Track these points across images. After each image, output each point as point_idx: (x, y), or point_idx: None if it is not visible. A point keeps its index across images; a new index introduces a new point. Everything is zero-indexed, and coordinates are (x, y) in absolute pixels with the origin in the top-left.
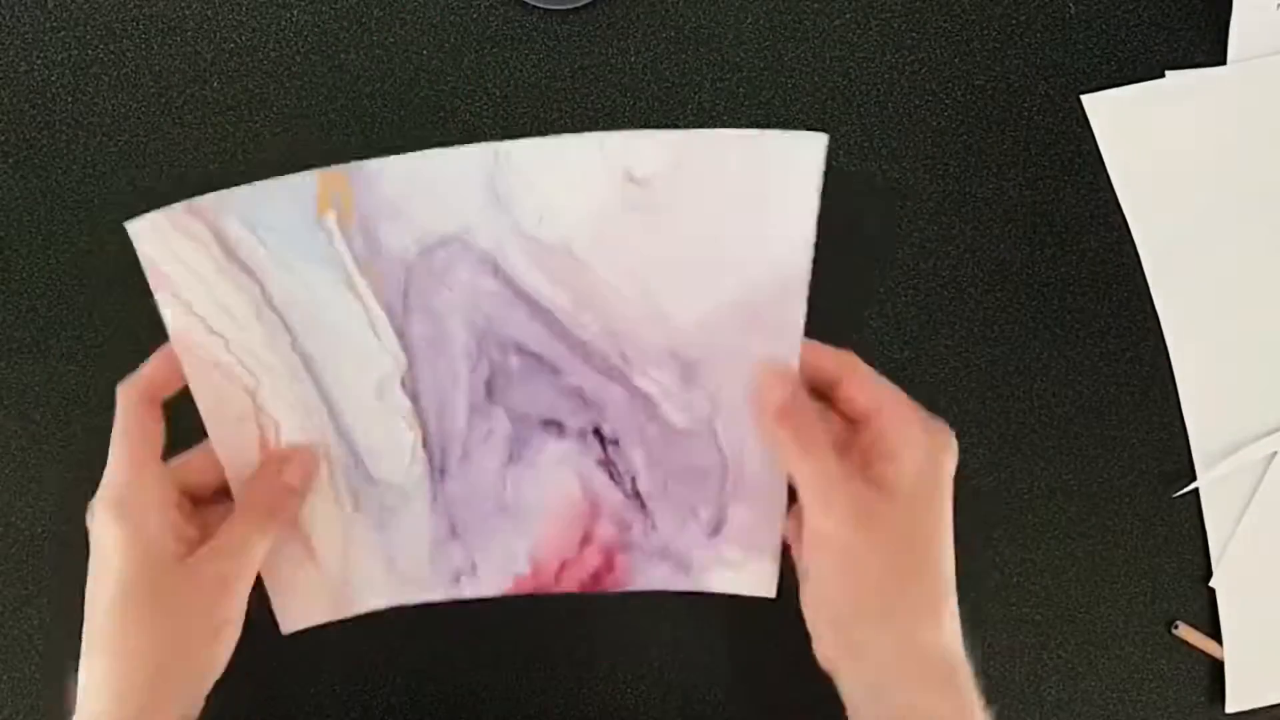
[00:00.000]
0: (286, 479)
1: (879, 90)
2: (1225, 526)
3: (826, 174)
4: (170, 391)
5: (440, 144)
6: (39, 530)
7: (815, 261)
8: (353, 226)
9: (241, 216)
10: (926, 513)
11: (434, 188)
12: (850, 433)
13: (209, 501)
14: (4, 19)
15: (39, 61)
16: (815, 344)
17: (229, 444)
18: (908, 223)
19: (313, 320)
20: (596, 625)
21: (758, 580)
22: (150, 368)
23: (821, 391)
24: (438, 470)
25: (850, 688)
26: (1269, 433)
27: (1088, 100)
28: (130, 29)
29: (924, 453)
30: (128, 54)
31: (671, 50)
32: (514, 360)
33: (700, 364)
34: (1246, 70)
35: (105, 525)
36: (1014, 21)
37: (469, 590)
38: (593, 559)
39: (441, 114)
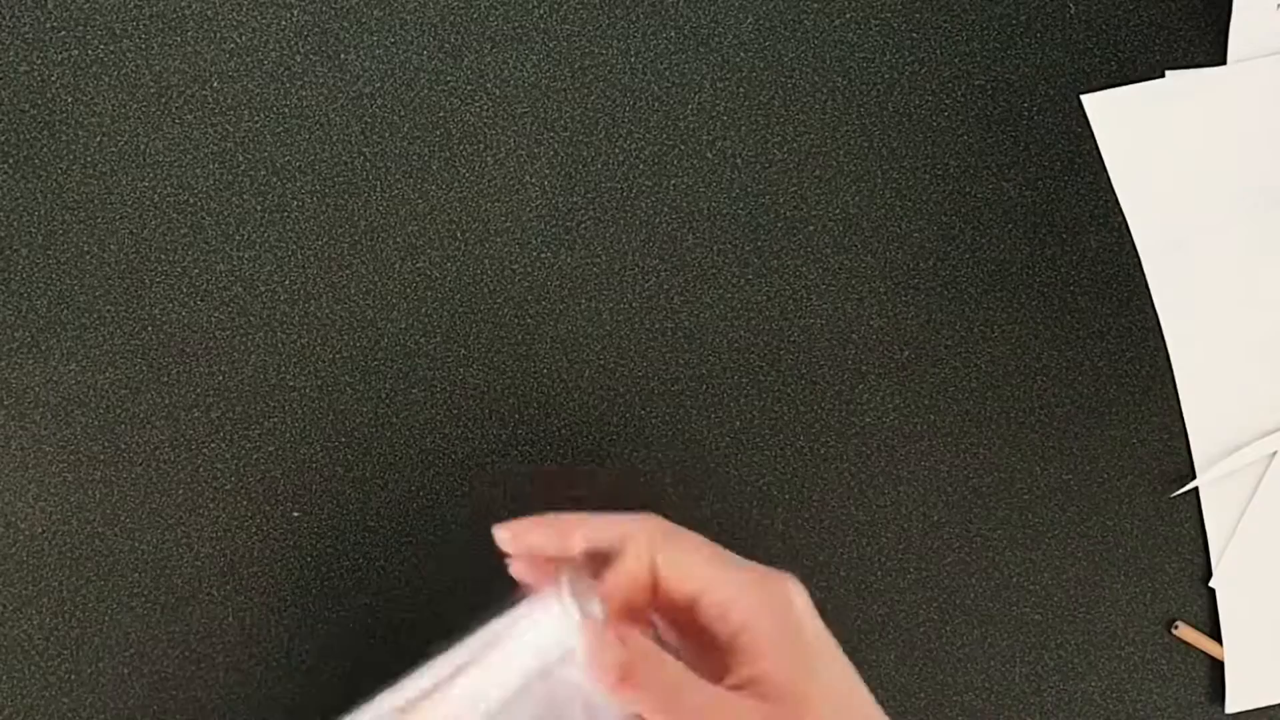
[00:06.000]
0: None
1: (879, 90)
2: (1225, 526)
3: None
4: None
5: (439, 144)
6: (39, 530)
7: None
8: None
9: None
10: (805, 678)
11: None
12: (696, 628)
13: None
14: (4, 19)
15: (39, 61)
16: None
17: None
18: (908, 223)
19: None
20: None
21: None
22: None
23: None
24: None
25: None
26: (1269, 433)
27: (1088, 100)
28: (130, 29)
29: (770, 623)
30: (128, 54)
31: (671, 50)
32: None
33: None
34: (1246, 70)
35: None
36: (1014, 21)
37: None
38: None
39: (441, 114)
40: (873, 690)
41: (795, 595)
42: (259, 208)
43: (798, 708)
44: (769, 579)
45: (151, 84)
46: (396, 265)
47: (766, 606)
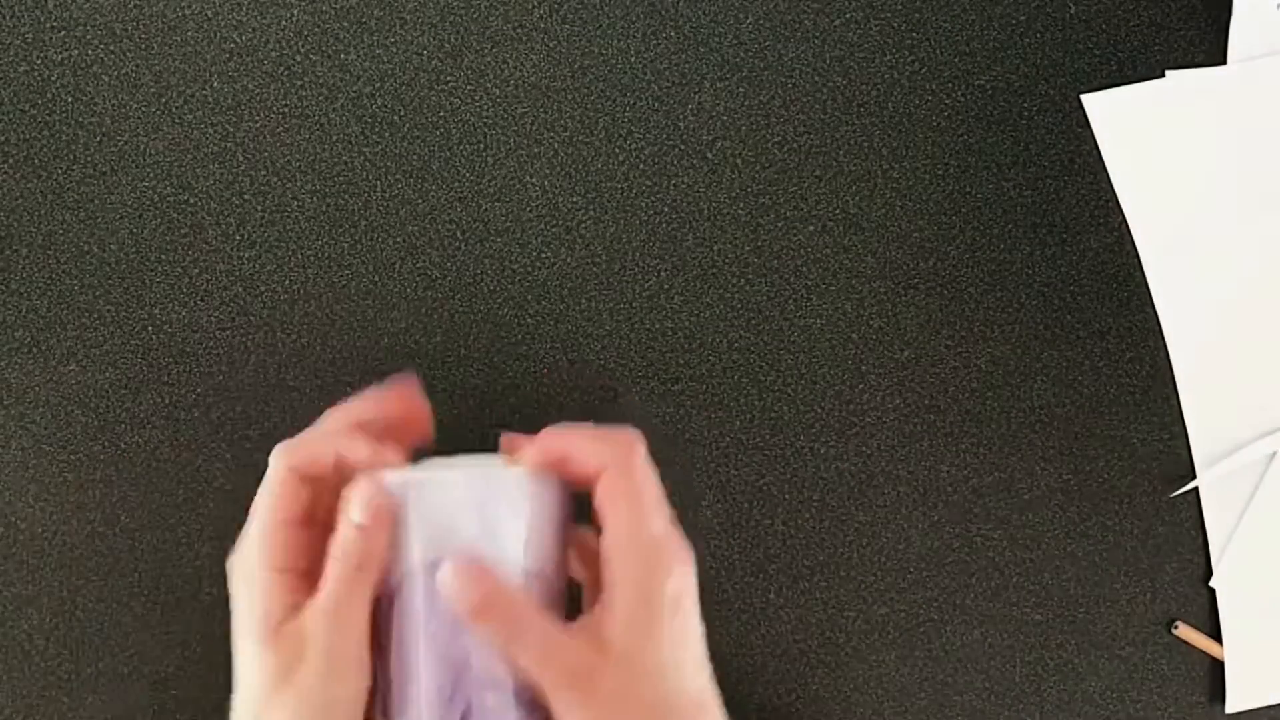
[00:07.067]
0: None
1: (879, 90)
2: (1225, 526)
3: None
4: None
5: (439, 144)
6: (39, 530)
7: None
8: None
9: None
10: (642, 668)
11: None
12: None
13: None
14: (4, 19)
15: (39, 61)
16: (589, 436)
17: None
18: (908, 223)
19: None
20: None
21: None
22: (315, 444)
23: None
24: None
25: None
26: (1269, 433)
27: (1088, 100)
28: (130, 29)
29: (635, 590)
30: (128, 54)
31: (671, 50)
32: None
33: None
34: (1246, 70)
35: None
36: (1014, 21)
37: None
38: None
39: (441, 114)
40: (873, 690)
41: (681, 577)
42: (259, 208)
43: (621, 664)
44: (663, 552)
45: (151, 84)
46: (396, 265)
47: (642, 574)
